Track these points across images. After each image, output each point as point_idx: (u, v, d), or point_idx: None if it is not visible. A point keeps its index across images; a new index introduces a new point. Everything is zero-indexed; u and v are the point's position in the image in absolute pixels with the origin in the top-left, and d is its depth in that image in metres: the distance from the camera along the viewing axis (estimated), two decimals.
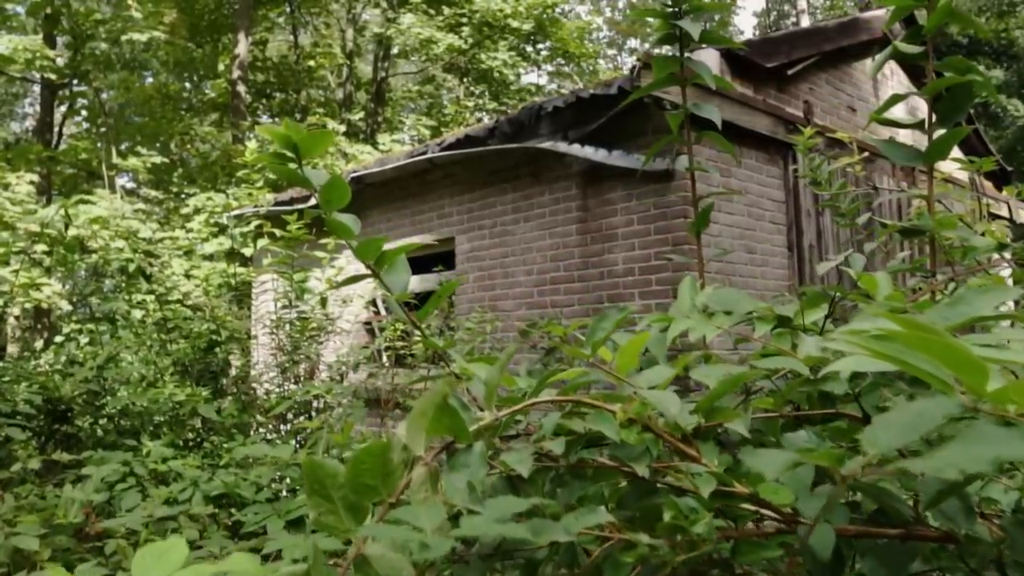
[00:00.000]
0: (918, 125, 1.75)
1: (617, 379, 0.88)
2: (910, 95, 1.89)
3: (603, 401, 0.85)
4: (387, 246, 1.36)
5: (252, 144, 10.49)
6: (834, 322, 1.49)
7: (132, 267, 6.05)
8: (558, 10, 18.20)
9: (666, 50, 2.07)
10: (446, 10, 17.07)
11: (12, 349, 13.87)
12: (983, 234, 1.87)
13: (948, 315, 0.79)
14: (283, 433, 4.88)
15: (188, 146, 18.20)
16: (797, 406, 1.22)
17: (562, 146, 5.31)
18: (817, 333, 1.42)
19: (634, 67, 4.75)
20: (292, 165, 1.36)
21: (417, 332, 1.50)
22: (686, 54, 2.01)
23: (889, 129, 6.36)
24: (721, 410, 0.92)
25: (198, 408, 4.58)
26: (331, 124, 13.37)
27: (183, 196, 14.01)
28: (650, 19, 1.95)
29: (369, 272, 1.39)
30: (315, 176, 1.34)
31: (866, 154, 5.00)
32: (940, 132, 1.75)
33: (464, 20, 16.92)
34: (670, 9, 1.96)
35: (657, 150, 2.12)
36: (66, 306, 8.45)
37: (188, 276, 8.06)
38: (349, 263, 6.73)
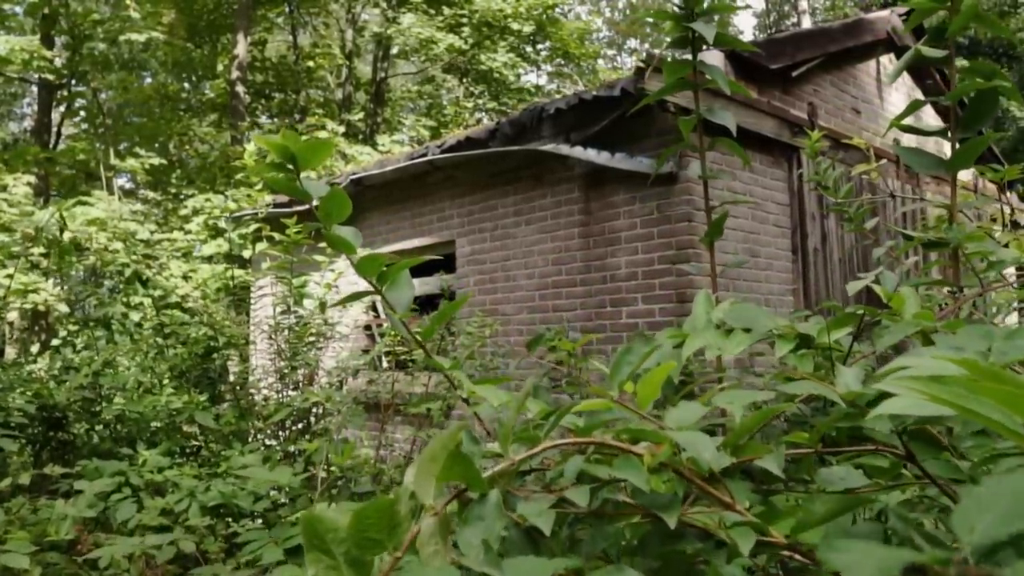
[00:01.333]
0: (942, 132, 1.68)
1: (643, 418, 0.81)
2: (929, 101, 1.82)
3: (627, 440, 0.78)
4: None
5: (251, 146, 10.42)
6: (857, 340, 1.42)
7: (128, 271, 5.97)
8: (558, 10, 18.13)
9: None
10: (446, 10, 17.00)
11: (10, 351, 13.81)
12: (1007, 245, 1.80)
13: (1006, 349, 0.72)
14: (282, 440, 4.81)
15: (187, 147, 18.12)
16: (823, 436, 1.15)
17: (564, 148, 5.23)
18: (842, 354, 1.35)
19: (639, 68, 4.68)
20: (291, 176, 1.29)
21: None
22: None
23: (894, 132, 6.29)
24: (751, 446, 0.86)
25: (195, 415, 4.51)
26: (330, 125, 13.28)
27: (181, 197, 13.94)
28: (661, 21, 1.88)
29: (370, 289, 1.32)
30: (314, 188, 1.28)
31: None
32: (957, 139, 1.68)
33: (464, 20, 16.85)
34: (681, 11, 1.89)
35: (669, 155, 2.05)
36: (64, 308, 8.38)
37: (186, 278, 7.99)
38: (349, 267, 6.65)
